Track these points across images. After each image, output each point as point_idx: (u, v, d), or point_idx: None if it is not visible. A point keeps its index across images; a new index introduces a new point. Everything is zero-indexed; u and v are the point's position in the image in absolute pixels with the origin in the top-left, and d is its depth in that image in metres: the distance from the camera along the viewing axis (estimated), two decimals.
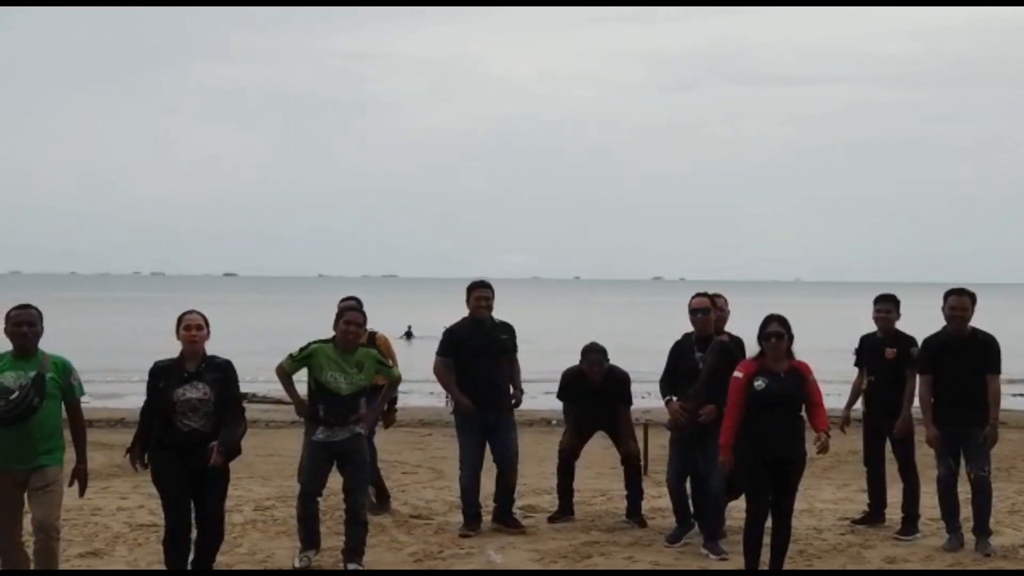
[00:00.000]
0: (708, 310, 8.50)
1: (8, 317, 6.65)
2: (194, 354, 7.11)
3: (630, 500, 9.46)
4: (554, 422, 16.42)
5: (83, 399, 6.92)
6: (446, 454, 15.00)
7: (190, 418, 6.99)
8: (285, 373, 7.95)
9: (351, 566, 7.85)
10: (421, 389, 22.01)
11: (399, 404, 9.98)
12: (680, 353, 8.58)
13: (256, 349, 26.70)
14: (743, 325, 8.93)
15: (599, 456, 11.51)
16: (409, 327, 44.85)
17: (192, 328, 7.13)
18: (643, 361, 15.83)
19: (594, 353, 9.39)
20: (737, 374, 7.49)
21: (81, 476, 6.75)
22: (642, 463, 11.89)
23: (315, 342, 8.00)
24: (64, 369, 6.70)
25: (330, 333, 8.01)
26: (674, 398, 8.50)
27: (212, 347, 7.31)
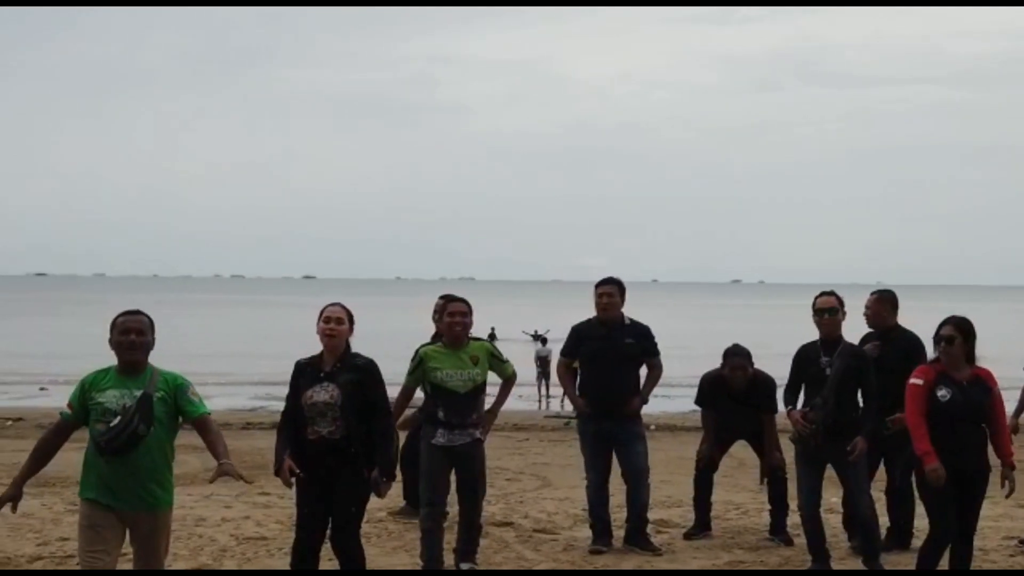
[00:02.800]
0: (835, 310, 7.63)
1: (114, 325, 5.64)
2: (332, 351, 6.41)
3: (774, 516, 8.68)
4: (652, 427, 15.72)
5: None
6: (547, 460, 14.54)
7: (318, 423, 6.30)
8: (406, 395, 7.46)
9: (464, 565, 7.36)
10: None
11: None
12: (805, 359, 7.72)
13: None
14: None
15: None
16: (492, 329, 44.44)
17: (332, 321, 6.40)
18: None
19: (737, 356, 8.64)
20: (916, 381, 6.70)
21: (229, 469, 5.51)
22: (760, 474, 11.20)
23: (421, 347, 7.51)
24: (177, 386, 5.62)
25: (412, 334, 7.45)
26: (796, 408, 7.64)
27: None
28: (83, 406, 5.57)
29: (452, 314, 7.39)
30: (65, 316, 70.68)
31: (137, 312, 5.71)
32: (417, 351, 7.51)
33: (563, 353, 8.63)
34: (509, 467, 13.24)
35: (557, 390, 28.56)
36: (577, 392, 8.42)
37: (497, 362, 7.52)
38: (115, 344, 5.63)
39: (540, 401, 27.56)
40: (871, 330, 8.30)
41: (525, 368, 26.36)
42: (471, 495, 7.46)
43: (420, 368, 7.38)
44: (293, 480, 6.32)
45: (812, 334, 7.76)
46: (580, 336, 8.46)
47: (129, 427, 5.43)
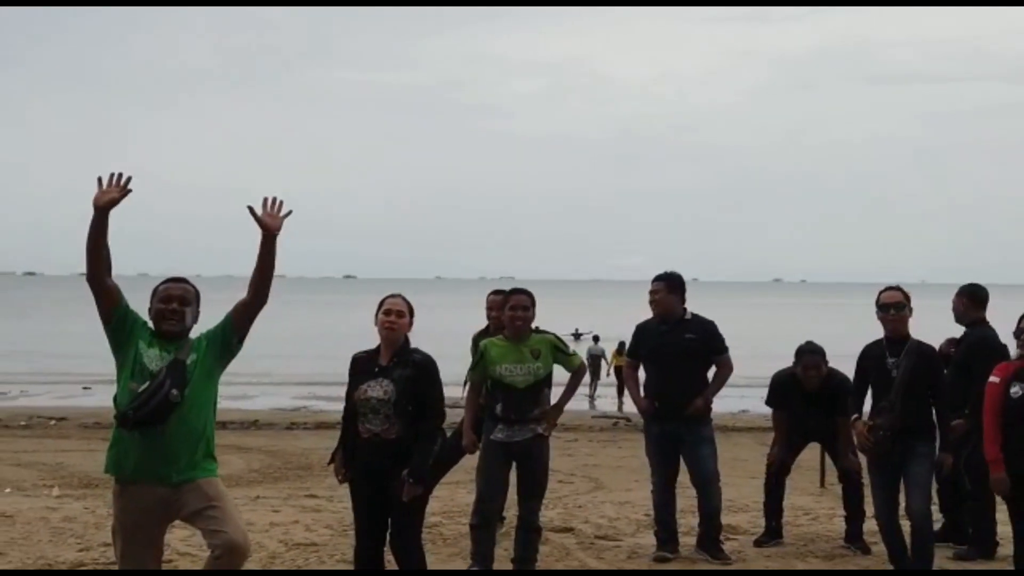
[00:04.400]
0: (902, 305, 7.03)
1: (155, 292, 5.19)
2: (390, 345, 6.03)
3: (850, 523, 8.21)
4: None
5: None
6: (597, 461, 14.19)
7: (371, 420, 5.93)
8: (474, 394, 7.10)
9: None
10: (556, 393, 21.25)
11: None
12: (869, 360, 7.14)
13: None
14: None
15: (759, 464, 10.35)
16: (576, 330, 44.67)
17: (392, 313, 6.02)
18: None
19: (811, 355, 8.17)
20: (993, 379, 6.38)
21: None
22: (820, 477, 10.75)
23: (482, 339, 7.21)
24: (209, 333, 5.21)
25: (459, 334, 7.13)
26: (861, 416, 7.08)
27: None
28: (127, 320, 5.14)
29: (514, 307, 7.04)
30: None
31: (182, 280, 5.23)
32: (477, 343, 7.24)
33: (627, 353, 8.31)
34: (560, 469, 12.85)
35: (604, 390, 28.39)
36: (642, 392, 8.02)
37: (562, 355, 7.14)
38: (154, 313, 5.15)
39: (590, 400, 27.21)
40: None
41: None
42: (530, 495, 7.11)
43: (483, 362, 7.07)
44: (339, 477, 6.10)
45: (860, 333, 7.28)
46: (641, 334, 8.11)
47: (160, 392, 4.92)
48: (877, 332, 7.14)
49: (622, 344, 28.58)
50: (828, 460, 10.17)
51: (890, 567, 7.23)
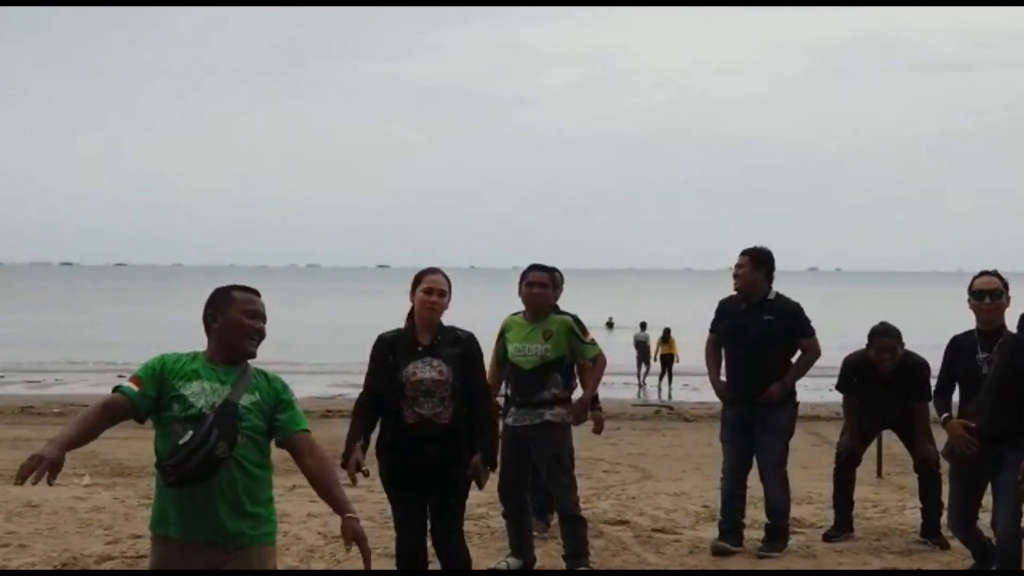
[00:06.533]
0: (1000, 292, 6.28)
1: (231, 300, 4.22)
2: (430, 324, 5.57)
3: (926, 516, 7.65)
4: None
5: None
6: (641, 450, 13.81)
7: (421, 404, 5.46)
8: (496, 369, 6.66)
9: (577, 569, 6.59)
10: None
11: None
12: (958, 352, 6.43)
13: None
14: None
15: (808, 454, 9.93)
16: (610, 318, 44.55)
17: (434, 293, 5.55)
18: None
19: (885, 336, 7.62)
20: None
21: (357, 534, 4.16)
22: (878, 467, 10.21)
23: (511, 316, 6.85)
24: (275, 387, 4.22)
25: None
26: (952, 415, 6.33)
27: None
28: (158, 391, 4.08)
29: (531, 283, 6.62)
30: (147, 304, 71.18)
31: (257, 292, 4.31)
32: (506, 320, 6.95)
33: (709, 329, 7.76)
34: (604, 458, 12.53)
35: (654, 379, 27.86)
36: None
37: (577, 341, 6.67)
38: (235, 326, 4.15)
39: (639, 388, 26.72)
40: None
41: (620, 356, 25.86)
42: (547, 483, 6.80)
43: (502, 338, 6.74)
44: (360, 475, 5.48)
45: (903, 322, 6.69)
46: (722, 311, 7.63)
47: (204, 445, 3.98)
48: (918, 322, 6.58)
49: (667, 331, 28.15)
50: (884, 448, 9.70)
51: (972, 562, 6.69)
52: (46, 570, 6.79)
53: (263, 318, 4.24)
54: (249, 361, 4.22)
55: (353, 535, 4.12)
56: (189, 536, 4.06)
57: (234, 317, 4.16)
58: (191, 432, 3.98)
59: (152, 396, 4.07)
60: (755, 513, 7.89)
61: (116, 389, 4.11)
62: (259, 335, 4.20)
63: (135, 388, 4.07)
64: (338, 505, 4.18)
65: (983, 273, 6.45)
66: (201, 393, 4.06)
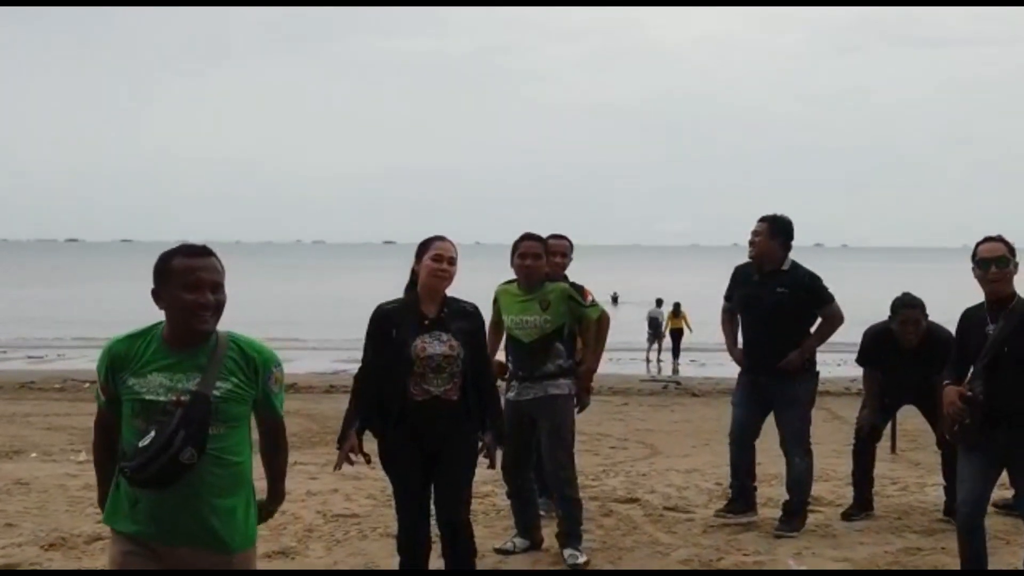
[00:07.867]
0: (1006, 260, 5.59)
1: (171, 271, 3.53)
2: (436, 295, 5.25)
3: (950, 494, 7.32)
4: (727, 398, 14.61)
5: None
6: (650, 426, 13.54)
7: (430, 381, 5.15)
8: (492, 330, 6.30)
9: (567, 552, 6.30)
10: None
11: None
12: (968, 326, 5.79)
13: None
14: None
15: (820, 429, 9.62)
16: (615, 293, 44.36)
17: (443, 260, 5.22)
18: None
19: (909, 308, 7.29)
20: None
21: (265, 517, 3.90)
22: (892, 443, 9.91)
23: (502, 284, 6.56)
24: (263, 361, 3.63)
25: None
26: (951, 384, 5.60)
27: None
28: (116, 391, 3.57)
29: (524, 255, 6.29)
30: (152, 280, 70.73)
31: (206, 251, 3.58)
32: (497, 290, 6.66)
33: (725, 296, 7.48)
34: (611, 433, 12.32)
35: (667, 354, 27.55)
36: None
37: (577, 305, 6.39)
38: (177, 303, 3.50)
39: (649, 364, 26.42)
40: None
41: (626, 332, 25.52)
42: (547, 458, 6.45)
43: (496, 307, 6.48)
44: (358, 459, 5.21)
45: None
46: (736, 279, 7.36)
47: (167, 451, 3.39)
48: (930, 296, 6.25)
49: (677, 306, 27.82)
50: (899, 423, 9.38)
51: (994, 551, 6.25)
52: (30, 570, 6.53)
53: (214, 286, 3.51)
54: (223, 331, 3.60)
55: (261, 520, 3.83)
56: (148, 534, 3.52)
57: (175, 294, 3.50)
58: (152, 433, 3.42)
59: (113, 398, 3.60)
60: (770, 492, 7.60)
61: (97, 400, 3.73)
62: (209, 309, 3.50)
63: (103, 397, 3.66)
64: (271, 493, 3.90)
65: (986, 239, 5.77)
66: (159, 387, 3.49)
